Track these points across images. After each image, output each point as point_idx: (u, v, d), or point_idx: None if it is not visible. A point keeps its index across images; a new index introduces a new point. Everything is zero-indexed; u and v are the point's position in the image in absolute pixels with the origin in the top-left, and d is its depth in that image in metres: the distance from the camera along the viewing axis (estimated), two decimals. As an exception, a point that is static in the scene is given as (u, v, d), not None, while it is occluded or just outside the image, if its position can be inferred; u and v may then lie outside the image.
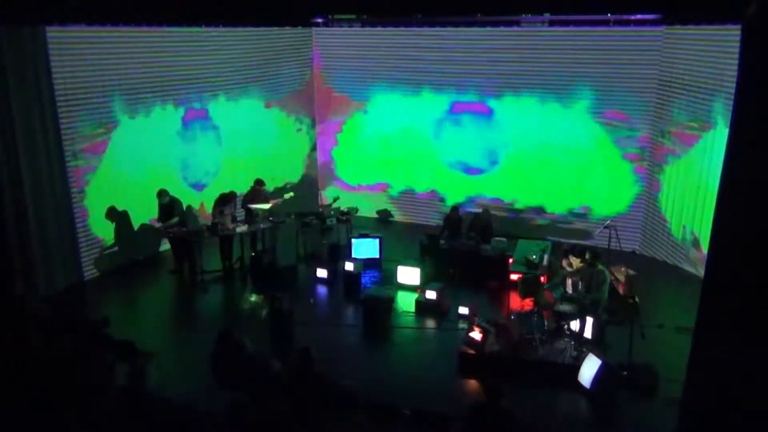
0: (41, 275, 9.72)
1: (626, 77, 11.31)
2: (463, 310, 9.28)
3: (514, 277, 9.87)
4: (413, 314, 9.61)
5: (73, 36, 9.93)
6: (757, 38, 4.67)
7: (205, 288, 10.66)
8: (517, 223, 12.52)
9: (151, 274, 11.26)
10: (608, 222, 8.81)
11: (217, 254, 11.00)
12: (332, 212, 12.10)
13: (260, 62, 13.00)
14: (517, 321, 8.47)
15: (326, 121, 14.23)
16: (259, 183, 11.61)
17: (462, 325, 8.99)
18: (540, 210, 12.58)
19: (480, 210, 12.12)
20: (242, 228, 10.94)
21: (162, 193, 10.76)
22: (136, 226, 11.30)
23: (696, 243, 10.47)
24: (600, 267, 8.57)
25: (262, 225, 11.09)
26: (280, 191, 12.40)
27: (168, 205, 10.71)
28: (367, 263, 10.99)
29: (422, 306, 9.64)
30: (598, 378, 7.29)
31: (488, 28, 12.20)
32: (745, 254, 4.73)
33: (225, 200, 11.01)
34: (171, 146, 11.73)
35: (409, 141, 13.38)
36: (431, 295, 9.60)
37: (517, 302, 9.13)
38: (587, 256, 8.77)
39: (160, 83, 11.32)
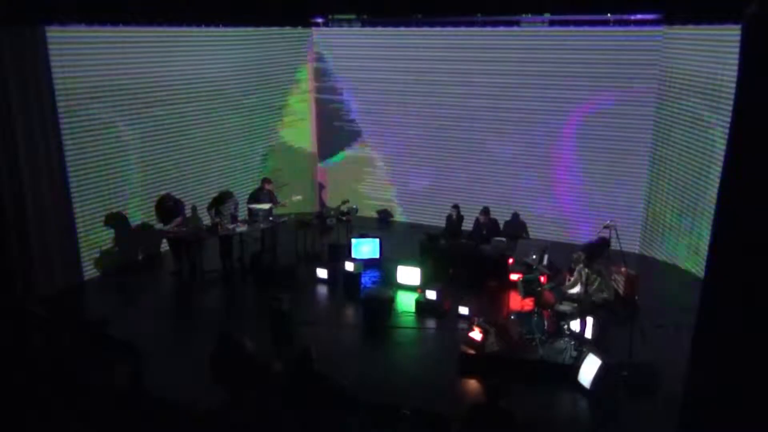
0: (41, 275, 9.72)
1: (626, 77, 11.31)
2: (463, 310, 9.29)
3: (514, 277, 9.87)
4: (413, 314, 9.61)
5: (73, 36, 9.94)
6: (757, 38, 4.66)
7: (205, 288, 10.66)
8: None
9: (151, 274, 11.26)
10: (608, 222, 8.80)
11: (217, 254, 11.00)
12: (332, 212, 12.10)
13: (259, 62, 13.00)
14: (517, 321, 8.47)
15: (327, 121, 14.24)
16: (266, 181, 11.60)
17: (462, 325, 8.99)
18: (538, 210, 12.57)
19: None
20: (242, 228, 10.94)
21: (166, 197, 10.77)
22: (133, 226, 11.30)
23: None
24: (596, 267, 8.57)
25: (262, 225, 11.08)
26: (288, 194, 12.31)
27: (172, 208, 10.71)
28: (367, 263, 10.99)
29: (422, 306, 9.64)
30: (598, 378, 7.29)
31: (488, 28, 12.21)
32: (746, 254, 4.72)
33: (222, 199, 11.01)
34: (171, 146, 11.74)
35: (407, 142, 13.42)
36: (431, 295, 9.60)
37: (517, 302, 9.14)
38: (582, 256, 8.76)
39: (161, 83, 11.33)
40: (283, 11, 12.48)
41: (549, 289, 8.56)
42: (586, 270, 8.60)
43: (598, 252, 9.08)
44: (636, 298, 9.22)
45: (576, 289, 8.69)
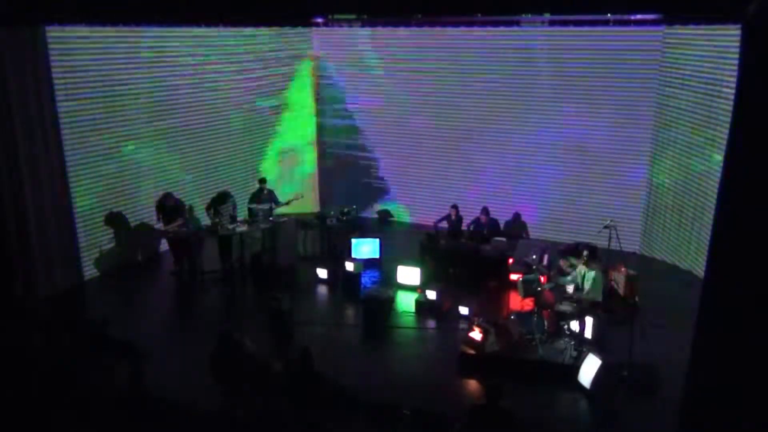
0: (41, 275, 9.72)
1: (626, 77, 11.30)
2: (463, 310, 9.29)
3: (514, 277, 9.87)
4: (413, 314, 9.61)
5: (73, 36, 9.93)
6: (757, 38, 4.67)
7: (204, 288, 10.66)
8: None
9: (151, 274, 11.26)
10: (608, 222, 8.80)
11: (217, 254, 10.99)
12: (332, 212, 12.09)
13: (261, 61, 13.00)
14: (517, 321, 8.47)
15: (327, 119, 14.24)
16: (262, 181, 11.60)
17: (462, 325, 8.99)
18: (538, 209, 12.57)
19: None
20: (242, 228, 10.93)
21: (167, 196, 10.76)
22: (133, 226, 11.30)
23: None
24: (593, 265, 8.58)
25: (262, 225, 11.08)
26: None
27: (173, 208, 10.71)
28: (367, 263, 10.98)
29: (422, 306, 9.64)
30: (598, 378, 7.29)
31: (488, 28, 12.21)
32: (746, 254, 4.73)
33: (221, 200, 11.00)
34: (171, 145, 11.74)
35: (407, 142, 13.43)
36: (431, 295, 9.60)
37: (517, 302, 9.13)
38: (584, 254, 8.75)
39: (160, 83, 11.33)
40: (283, 11, 12.47)
41: (549, 289, 8.56)
42: (584, 269, 8.61)
43: (593, 253, 9.10)
44: (636, 298, 9.21)
45: (572, 287, 8.70)
